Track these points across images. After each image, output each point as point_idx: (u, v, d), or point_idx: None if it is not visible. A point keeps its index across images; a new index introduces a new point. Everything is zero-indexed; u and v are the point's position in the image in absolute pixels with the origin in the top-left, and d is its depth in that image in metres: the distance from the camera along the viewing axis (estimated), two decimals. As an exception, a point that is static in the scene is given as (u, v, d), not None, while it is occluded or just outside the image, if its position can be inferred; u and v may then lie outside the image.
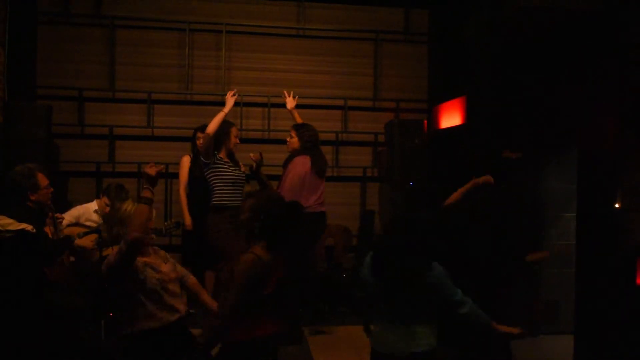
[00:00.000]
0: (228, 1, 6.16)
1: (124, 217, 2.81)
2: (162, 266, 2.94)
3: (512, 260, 4.38)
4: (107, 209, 4.30)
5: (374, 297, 2.77)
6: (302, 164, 4.83)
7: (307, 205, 4.82)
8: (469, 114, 5.21)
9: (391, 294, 2.69)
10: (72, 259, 4.02)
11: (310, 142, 4.91)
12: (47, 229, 3.59)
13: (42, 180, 3.44)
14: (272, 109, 6.13)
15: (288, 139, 4.94)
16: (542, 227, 5.16)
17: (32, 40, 5.75)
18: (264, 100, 6.11)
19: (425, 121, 5.93)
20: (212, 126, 4.56)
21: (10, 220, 3.21)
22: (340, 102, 6.28)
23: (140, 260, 2.82)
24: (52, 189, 3.54)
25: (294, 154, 4.92)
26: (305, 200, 4.80)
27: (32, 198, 3.39)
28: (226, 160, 4.76)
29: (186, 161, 5.22)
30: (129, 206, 2.85)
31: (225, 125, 4.83)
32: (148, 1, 6.00)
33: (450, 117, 5.61)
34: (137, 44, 5.99)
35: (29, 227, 3.22)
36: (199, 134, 5.06)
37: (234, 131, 4.84)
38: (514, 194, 4.97)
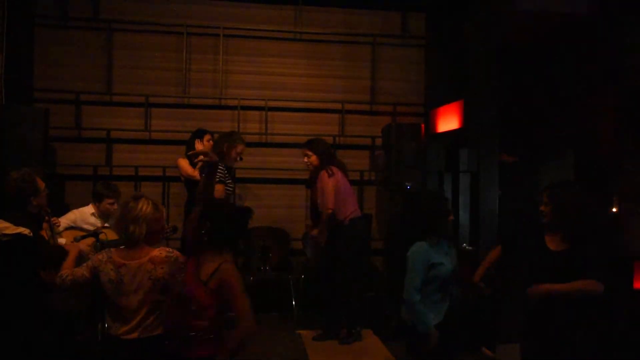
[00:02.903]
0: (225, 5, 6.16)
1: (140, 216, 2.64)
2: None
3: None
4: (113, 207, 4.25)
5: None
6: (334, 173, 4.86)
7: (354, 209, 4.90)
8: (466, 117, 5.21)
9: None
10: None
11: (326, 152, 4.97)
12: (44, 233, 3.58)
13: (41, 183, 3.46)
14: (269, 113, 6.14)
15: (305, 159, 4.98)
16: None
17: (30, 43, 5.74)
18: (262, 103, 6.11)
19: (423, 125, 5.94)
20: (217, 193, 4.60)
21: (7, 224, 3.20)
22: (338, 106, 6.29)
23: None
24: (47, 192, 3.55)
25: (316, 170, 4.95)
26: (352, 205, 4.91)
27: (34, 202, 3.40)
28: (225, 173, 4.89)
29: (185, 160, 5.22)
30: (144, 205, 2.69)
31: (232, 138, 4.93)
32: (145, 5, 6.00)
33: (447, 121, 5.62)
34: (135, 47, 5.99)
35: (25, 231, 3.21)
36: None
37: (239, 148, 4.95)
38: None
